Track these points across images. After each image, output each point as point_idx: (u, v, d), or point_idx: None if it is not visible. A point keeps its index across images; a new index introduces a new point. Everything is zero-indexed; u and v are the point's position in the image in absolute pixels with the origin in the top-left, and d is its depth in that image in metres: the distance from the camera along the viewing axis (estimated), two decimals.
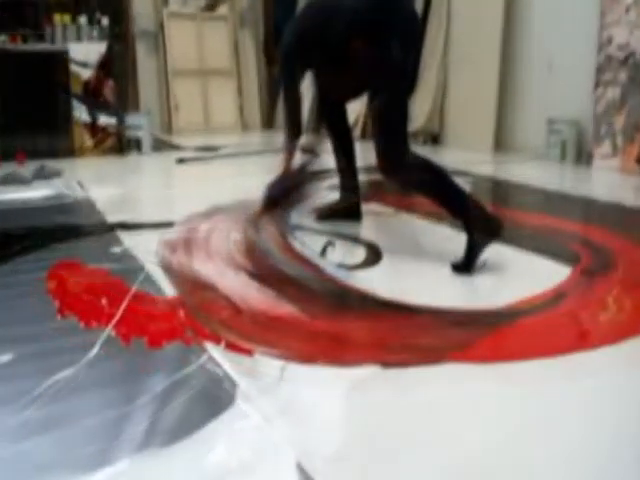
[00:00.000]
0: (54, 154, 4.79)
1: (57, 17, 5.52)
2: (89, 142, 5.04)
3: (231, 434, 1.26)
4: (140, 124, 5.20)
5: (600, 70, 4.63)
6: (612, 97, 4.56)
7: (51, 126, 4.93)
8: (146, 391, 1.40)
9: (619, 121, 4.51)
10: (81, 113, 4.98)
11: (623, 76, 4.48)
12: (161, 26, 7.07)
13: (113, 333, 1.69)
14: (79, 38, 5.46)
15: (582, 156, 4.82)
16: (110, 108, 5.04)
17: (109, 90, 5.03)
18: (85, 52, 5.06)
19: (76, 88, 4.96)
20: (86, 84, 4.98)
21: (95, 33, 5.46)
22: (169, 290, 2.04)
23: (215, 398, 1.38)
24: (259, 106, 7.68)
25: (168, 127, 7.03)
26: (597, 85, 4.65)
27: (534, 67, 5.20)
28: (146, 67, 7.07)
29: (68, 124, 4.96)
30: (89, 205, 3.37)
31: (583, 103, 4.77)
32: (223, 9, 7.48)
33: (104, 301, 1.92)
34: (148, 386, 1.42)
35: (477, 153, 5.25)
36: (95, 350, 1.58)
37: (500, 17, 5.29)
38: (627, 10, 4.48)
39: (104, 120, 5.04)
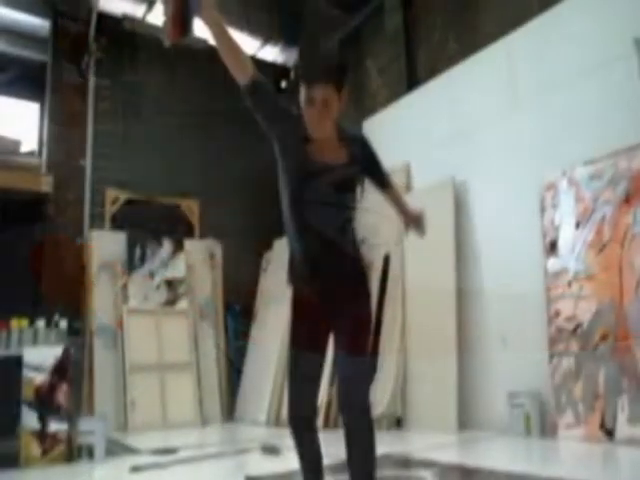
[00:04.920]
0: None
1: (14, 322, 5.86)
2: (36, 451, 5.06)
3: None
4: (93, 429, 5.28)
5: (552, 342, 5.11)
6: (567, 367, 4.96)
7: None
8: None
9: (578, 390, 4.85)
10: (31, 420, 5.08)
11: (574, 346, 4.94)
12: (120, 323, 7.51)
13: None
14: (35, 341, 5.77)
15: (546, 427, 5.07)
16: (62, 413, 5.17)
17: (63, 395, 5.20)
18: (40, 356, 5.32)
19: (28, 394, 5.13)
20: (38, 389, 5.16)
21: (52, 336, 5.79)
22: None
23: None
24: (219, 398, 7.91)
25: (124, 426, 7.08)
26: (552, 356, 5.09)
27: (490, 343, 5.66)
28: (103, 364, 7.35)
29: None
30: None
31: (541, 375, 5.15)
32: (183, 303, 8.02)
33: None
34: None
35: (441, 434, 5.42)
36: None
37: (453, 298, 5.88)
38: (569, 284, 5.06)
39: (55, 426, 5.13)
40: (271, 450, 5.28)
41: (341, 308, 2.67)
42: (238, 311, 8.79)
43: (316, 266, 2.67)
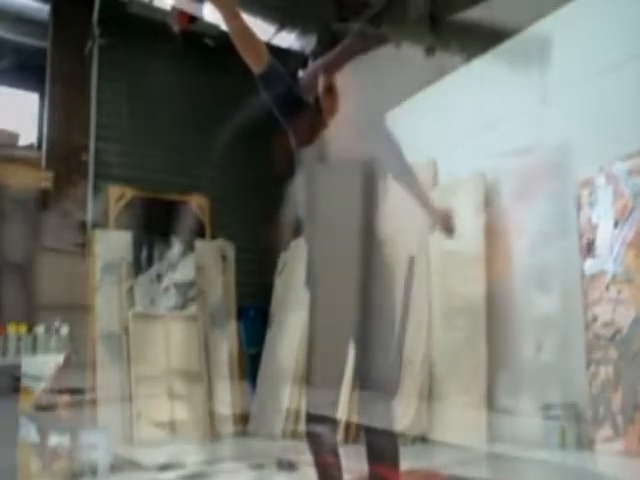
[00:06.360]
0: None
1: (12, 327, 5.88)
2: (35, 466, 5.07)
3: None
4: (96, 443, 5.28)
5: (589, 348, 5.03)
6: (606, 376, 4.87)
7: None
8: None
9: (617, 401, 4.76)
10: (29, 433, 5.09)
11: (613, 354, 4.85)
12: (125, 328, 7.52)
13: None
14: (35, 349, 5.78)
15: (582, 441, 5.00)
16: (63, 425, 5.18)
17: (64, 406, 5.21)
18: (40, 364, 5.34)
19: (26, 405, 5.14)
20: (37, 400, 5.17)
21: (53, 343, 5.81)
22: None
23: None
24: (232, 410, 7.88)
25: (129, 439, 7.09)
26: (589, 364, 5.01)
27: (522, 350, 5.65)
28: (107, 372, 7.37)
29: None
30: None
31: (577, 384, 5.09)
32: (193, 307, 8.01)
33: None
34: None
35: (469, 448, 5.39)
36: None
37: (483, 303, 5.84)
38: (607, 287, 4.98)
39: (55, 440, 5.14)
40: (287, 465, 5.28)
41: (362, 313, 2.65)
42: (252, 316, 8.78)
43: (335, 268, 2.65)
